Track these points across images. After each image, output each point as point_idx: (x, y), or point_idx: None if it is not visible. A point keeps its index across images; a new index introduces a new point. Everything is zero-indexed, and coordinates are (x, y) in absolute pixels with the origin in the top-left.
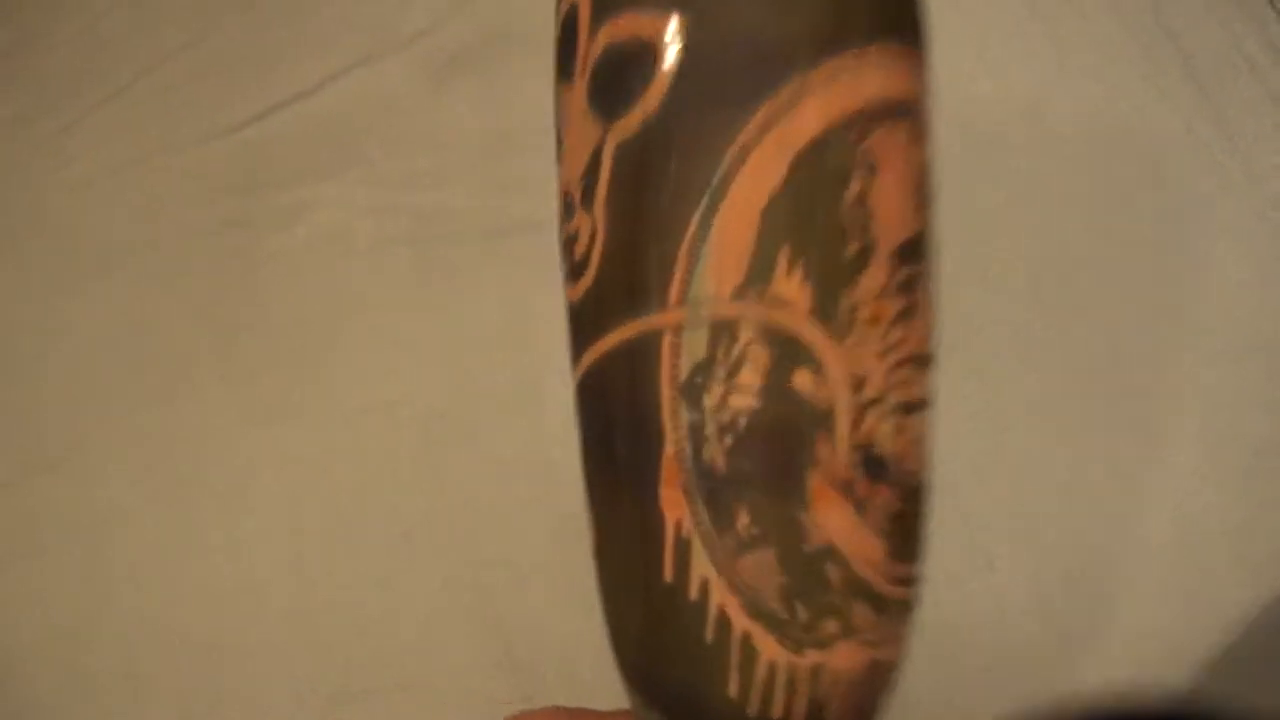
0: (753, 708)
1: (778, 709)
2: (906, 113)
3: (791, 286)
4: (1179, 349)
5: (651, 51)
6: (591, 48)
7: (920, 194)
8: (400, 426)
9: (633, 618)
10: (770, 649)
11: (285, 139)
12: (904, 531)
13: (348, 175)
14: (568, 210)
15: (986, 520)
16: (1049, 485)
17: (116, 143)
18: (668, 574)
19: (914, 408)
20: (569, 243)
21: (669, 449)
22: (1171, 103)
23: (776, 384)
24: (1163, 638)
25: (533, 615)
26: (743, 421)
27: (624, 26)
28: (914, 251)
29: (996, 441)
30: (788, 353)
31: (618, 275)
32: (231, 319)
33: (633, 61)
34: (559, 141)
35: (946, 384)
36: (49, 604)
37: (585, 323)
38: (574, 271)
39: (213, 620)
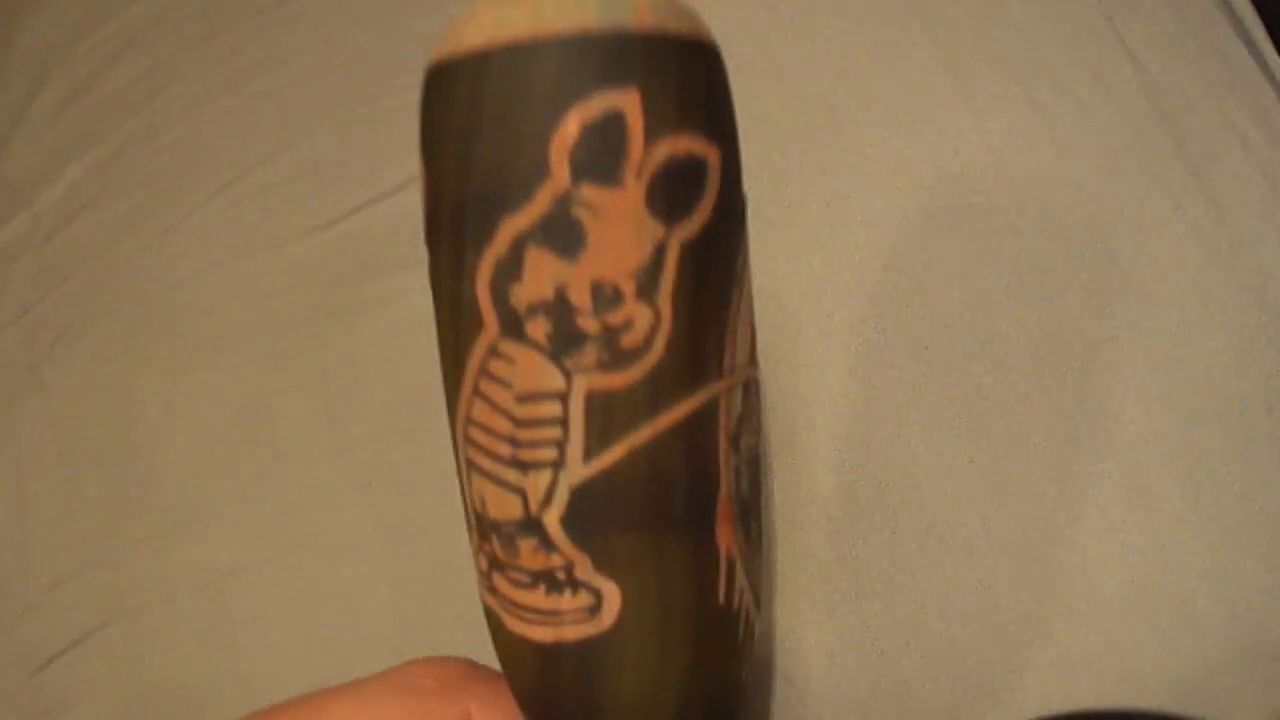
0: (748, 684)
1: (751, 676)
2: None
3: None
4: (1168, 410)
5: (705, 169)
6: (649, 157)
7: None
8: None
9: (680, 660)
10: (754, 622)
11: (374, 234)
12: None
13: None
14: (608, 303)
15: (993, 564)
16: (1047, 534)
17: (220, 239)
18: (720, 595)
19: None
20: (610, 334)
21: (724, 490)
22: (1163, 184)
23: (761, 427)
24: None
25: None
26: (753, 457)
27: (684, 144)
28: None
29: (1002, 500)
30: (759, 405)
31: (683, 355)
32: (333, 395)
33: (692, 175)
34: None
35: (959, 449)
36: (175, 649)
37: (631, 406)
38: (618, 360)
39: (321, 663)
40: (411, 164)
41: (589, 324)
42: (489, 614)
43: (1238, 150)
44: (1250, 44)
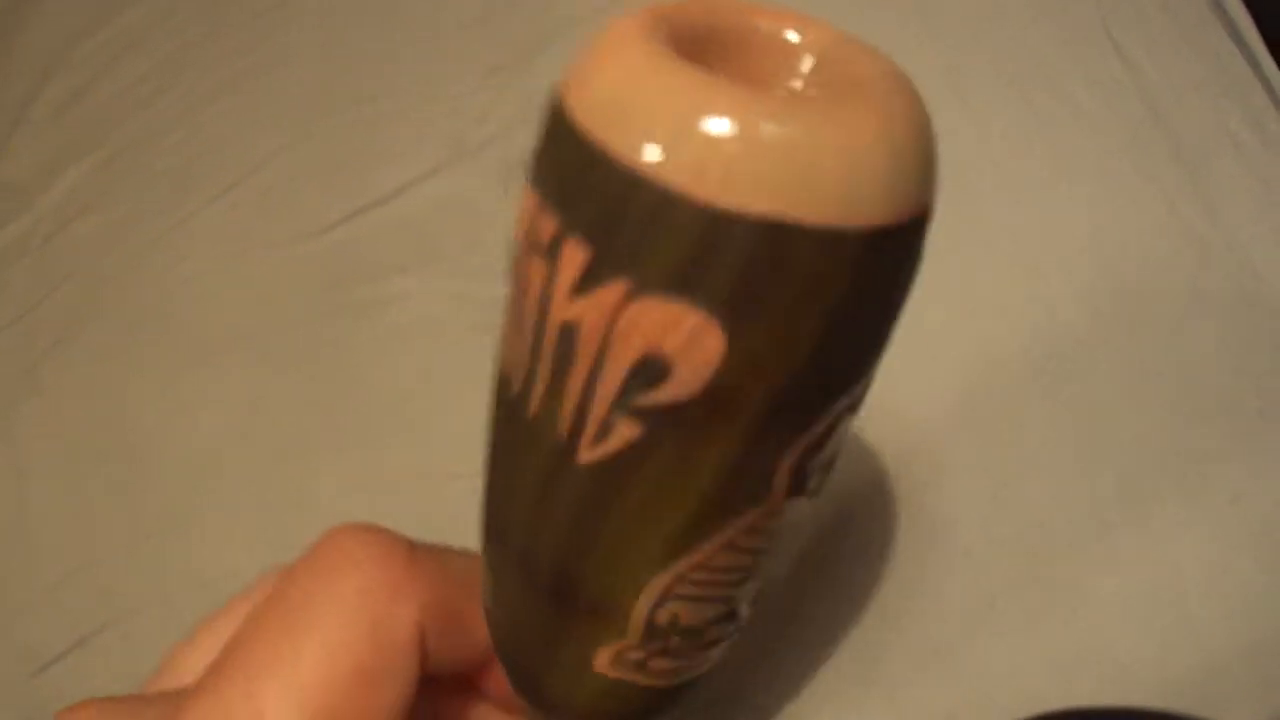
0: None
1: None
2: None
3: None
4: (1162, 411)
5: None
6: None
7: None
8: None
9: None
10: None
11: (373, 237)
12: None
13: (430, 269)
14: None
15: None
16: (1043, 534)
17: (220, 242)
18: None
19: None
20: (829, 466)
21: None
22: (1157, 185)
23: None
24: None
25: None
26: None
27: None
28: None
29: (999, 501)
30: None
31: None
32: (332, 398)
33: None
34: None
35: (955, 450)
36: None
37: None
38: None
39: None
40: (411, 168)
41: (827, 462)
42: (613, 684)
43: (1231, 152)
44: (1243, 47)
